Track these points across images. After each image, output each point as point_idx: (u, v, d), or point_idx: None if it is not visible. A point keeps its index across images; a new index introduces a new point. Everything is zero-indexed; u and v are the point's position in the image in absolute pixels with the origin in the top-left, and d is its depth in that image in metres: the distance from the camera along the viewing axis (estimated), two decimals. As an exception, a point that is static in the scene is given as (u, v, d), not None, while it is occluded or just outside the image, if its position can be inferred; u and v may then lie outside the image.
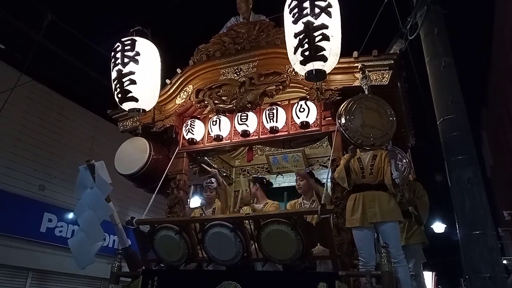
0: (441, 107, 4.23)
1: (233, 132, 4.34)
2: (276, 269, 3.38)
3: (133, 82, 3.90)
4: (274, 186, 5.23)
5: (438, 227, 12.80)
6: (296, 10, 3.29)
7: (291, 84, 4.01)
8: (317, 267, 3.49)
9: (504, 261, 10.11)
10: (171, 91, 4.52)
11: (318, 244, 3.16)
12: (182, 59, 4.49)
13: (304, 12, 3.23)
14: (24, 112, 8.14)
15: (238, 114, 4.21)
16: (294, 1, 3.34)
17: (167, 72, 4.42)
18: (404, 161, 3.89)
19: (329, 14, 3.23)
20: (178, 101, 4.52)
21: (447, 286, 18.93)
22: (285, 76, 3.99)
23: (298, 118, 3.96)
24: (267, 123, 4.11)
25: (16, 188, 7.66)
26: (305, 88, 3.90)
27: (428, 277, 10.08)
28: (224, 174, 5.36)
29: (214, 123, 4.33)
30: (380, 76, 3.59)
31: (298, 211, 3.50)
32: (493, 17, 12.02)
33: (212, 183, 4.40)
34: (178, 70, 4.46)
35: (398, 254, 3.27)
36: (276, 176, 5.33)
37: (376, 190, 3.41)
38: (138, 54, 3.96)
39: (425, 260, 4.45)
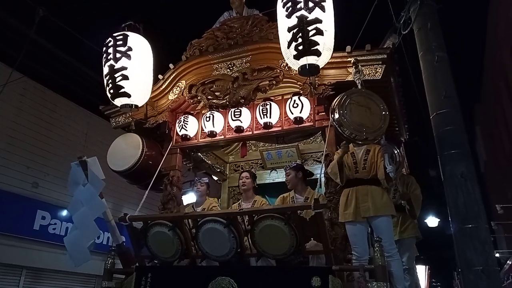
0: (435, 102, 4.24)
1: (226, 127, 4.32)
2: (270, 264, 3.38)
3: (125, 77, 3.85)
4: (268, 181, 5.26)
5: (432, 221, 12.87)
6: (289, 4, 3.26)
7: (284, 79, 3.99)
8: (311, 261, 3.50)
9: (497, 254, 10.21)
10: (163, 86, 4.48)
11: (312, 238, 3.16)
12: (175, 54, 4.45)
13: (298, 6, 3.21)
14: (17, 109, 8.05)
15: (231, 109, 4.19)
16: (287, -5, 3.31)
17: (160, 68, 4.38)
18: (397, 155, 3.89)
19: (322, 9, 3.21)
20: (171, 96, 4.48)
21: (441, 279, 19.10)
22: (279, 71, 3.97)
23: (292, 113, 3.96)
24: (261, 118, 4.09)
25: (9, 186, 7.59)
26: (299, 83, 3.89)
27: (422, 271, 10.15)
28: (218, 170, 5.35)
29: (207, 119, 4.32)
30: (373, 71, 3.58)
31: (292, 206, 3.50)
32: (487, 13, 12.06)
33: (204, 177, 4.40)
34: (171, 66, 4.42)
35: (391, 248, 3.29)
36: (270, 171, 5.33)
37: (369, 185, 3.42)
38: (130, 49, 3.90)
39: (417, 253, 4.47)
